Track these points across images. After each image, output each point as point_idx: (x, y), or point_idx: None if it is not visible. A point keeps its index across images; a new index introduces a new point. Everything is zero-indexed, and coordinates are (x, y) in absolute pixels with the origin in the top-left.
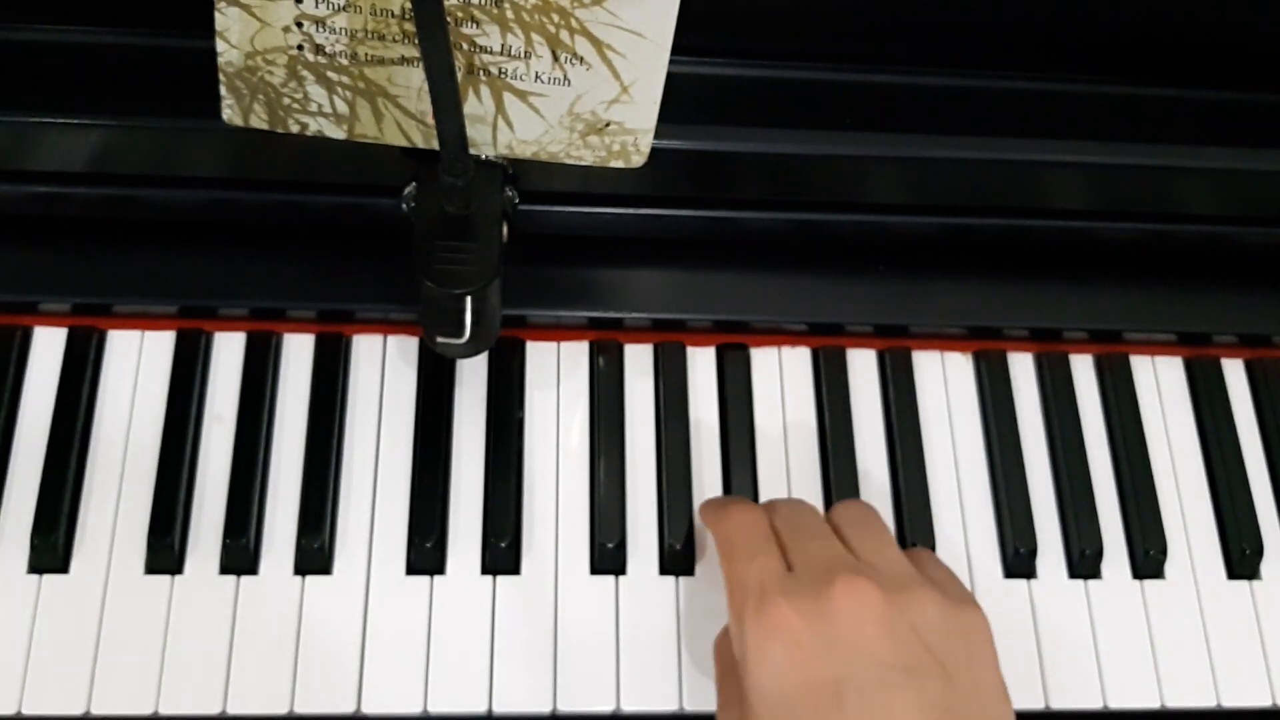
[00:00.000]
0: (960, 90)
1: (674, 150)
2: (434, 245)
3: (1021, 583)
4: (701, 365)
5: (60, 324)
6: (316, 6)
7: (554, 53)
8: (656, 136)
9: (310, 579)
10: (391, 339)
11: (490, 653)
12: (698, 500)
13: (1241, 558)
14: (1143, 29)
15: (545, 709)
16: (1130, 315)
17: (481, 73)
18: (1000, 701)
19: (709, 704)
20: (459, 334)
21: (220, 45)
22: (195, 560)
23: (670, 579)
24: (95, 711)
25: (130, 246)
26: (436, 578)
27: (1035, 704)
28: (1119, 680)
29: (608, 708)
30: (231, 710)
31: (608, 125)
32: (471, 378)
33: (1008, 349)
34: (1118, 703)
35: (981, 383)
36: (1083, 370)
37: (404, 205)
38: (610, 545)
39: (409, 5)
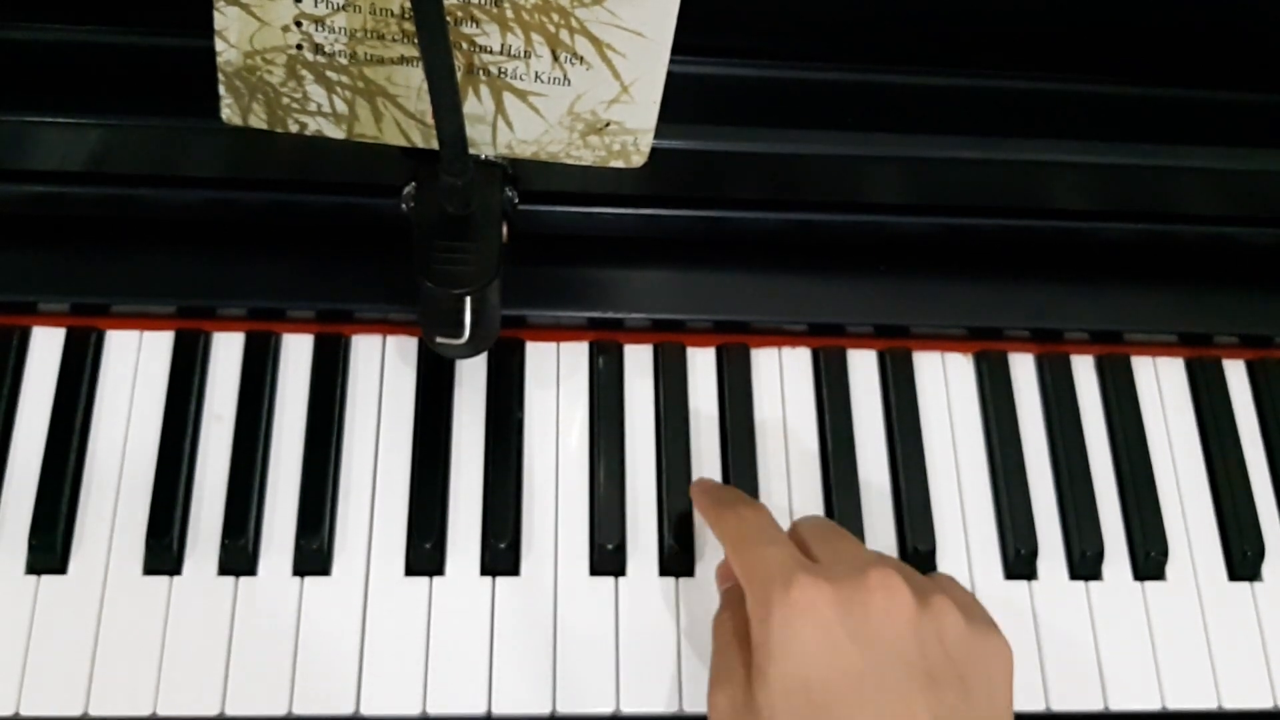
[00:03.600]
0: (960, 90)
1: (674, 150)
2: (433, 245)
3: (1022, 584)
4: (701, 366)
5: (59, 324)
6: (316, 6)
7: (554, 52)
8: (656, 136)
9: (309, 580)
10: (391, 339)
11: (490, 654)
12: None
13: (1243, 559)
14: (1143, 29)
15: (545, 710)
16: (1131, 316)
17: (481, 72)
18: None
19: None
20: (458, 334)
21: (219, 44)
22: (194, 561)
23: (670, 580)
24: (93, 712)
25: (129, 246)
26: (436, 579)
27: (1036, 706)
28: (1120, 682)
29: (607, 709)
30: (230, 711)
31: (608, 125)
32: (471, 378)
33: (1008, 349)
34: (1119, 704)
35: (982, 383)
36: (1084, 371)
37: (404, 205)
38: (610, 546)
39: (409, 5)
